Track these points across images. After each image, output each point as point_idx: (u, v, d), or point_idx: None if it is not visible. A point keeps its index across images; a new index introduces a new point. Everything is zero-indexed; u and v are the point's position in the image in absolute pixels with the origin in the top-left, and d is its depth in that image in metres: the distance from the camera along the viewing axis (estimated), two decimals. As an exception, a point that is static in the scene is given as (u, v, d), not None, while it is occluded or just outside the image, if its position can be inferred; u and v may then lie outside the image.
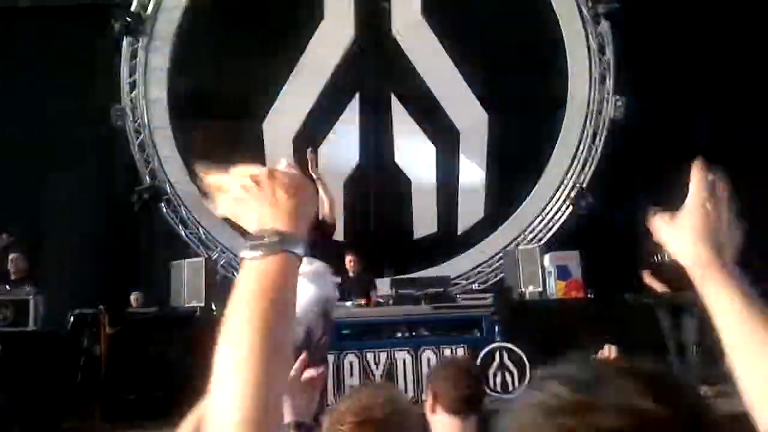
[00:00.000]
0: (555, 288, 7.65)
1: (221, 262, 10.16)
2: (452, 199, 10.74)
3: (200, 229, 10.23)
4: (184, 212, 10.21)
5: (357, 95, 10.61)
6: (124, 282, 9.48)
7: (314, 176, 5.98)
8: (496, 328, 7.16)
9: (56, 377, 6.08)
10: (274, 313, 0.93)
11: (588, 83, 10.60)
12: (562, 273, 7.66)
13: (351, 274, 8.70)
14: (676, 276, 6.37)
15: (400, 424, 1.37)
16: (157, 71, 10.18)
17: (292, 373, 1.52)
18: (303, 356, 1.56)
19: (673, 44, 10.29)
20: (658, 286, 6.56)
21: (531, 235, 10.42)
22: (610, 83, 10.45)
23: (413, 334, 7.15)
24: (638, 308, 6.40)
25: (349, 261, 8.72)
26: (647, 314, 6.45)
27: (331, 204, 5.77)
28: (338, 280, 1.54)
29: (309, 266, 1.30)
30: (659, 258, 6.64)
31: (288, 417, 1.55)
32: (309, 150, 6.16)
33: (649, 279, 6.58)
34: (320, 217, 5.79)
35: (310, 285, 1.31)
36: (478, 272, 10.42)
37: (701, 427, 0.71)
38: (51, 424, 5.46)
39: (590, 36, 10.56)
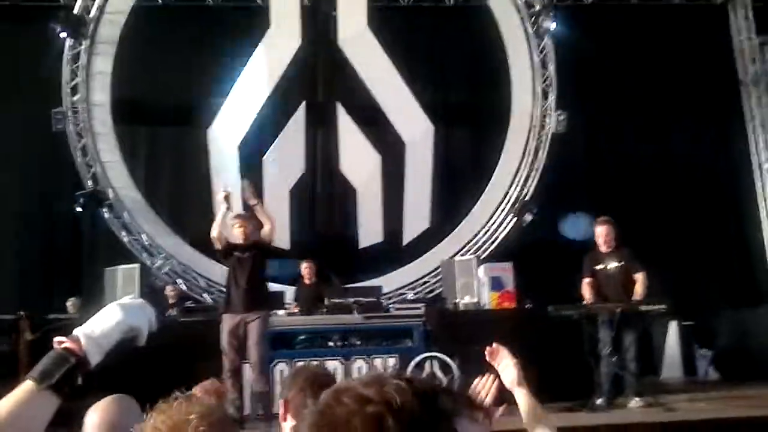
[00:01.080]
0: (488, 299, 7.73)
1: (165, 270, 10.09)
2: (398, 209, 10.78)
3: (143, 235, 10.13)
4: (126, 218, 10.10)
5: (303, 104, 10.64)
6: (64, 288, 9.37)
7: (252, 204, 6.76)
8: (427, 337, 7.22)
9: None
10: None
11: (531, 98, 10.75)
12: (496, 284, 7.74)
13: (306, 281, 8.76)
14: (612, 286, 6.56)
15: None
16: (100, 75, 10.08)
17: None
18: None
19: (610, 60, 10.55)
20: (591, 296, 6.68)
21: (475, 247, 10.53)
22: (552, 98, 10.61)
23: (345, 343, 7.18)
24: (562, 319, 6.50)
25: (305, 268, 8.78)
26: (572, 325, 6.55)
27: (271, 227, 6.65)
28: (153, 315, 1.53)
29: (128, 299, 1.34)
30: (602, 267, 6.78)
31: None
32: (245, 182, 6.94)
33: (586, 288, 6.70)
34: (257, 239, 6.62)
35: (118, 312, 1.34)
36: (423, 282, 10.48)
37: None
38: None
39: (533, 52, 10.73)
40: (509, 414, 2.42)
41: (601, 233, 6.80)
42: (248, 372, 6.54)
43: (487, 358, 2.43)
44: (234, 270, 6.54)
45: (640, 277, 6.58)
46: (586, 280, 6.73)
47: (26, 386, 1.24)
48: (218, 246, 6.67)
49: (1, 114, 9.35)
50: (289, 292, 9.06)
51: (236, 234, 6.62)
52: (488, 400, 2.35)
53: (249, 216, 6.84)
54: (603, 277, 6.73)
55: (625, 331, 6.41)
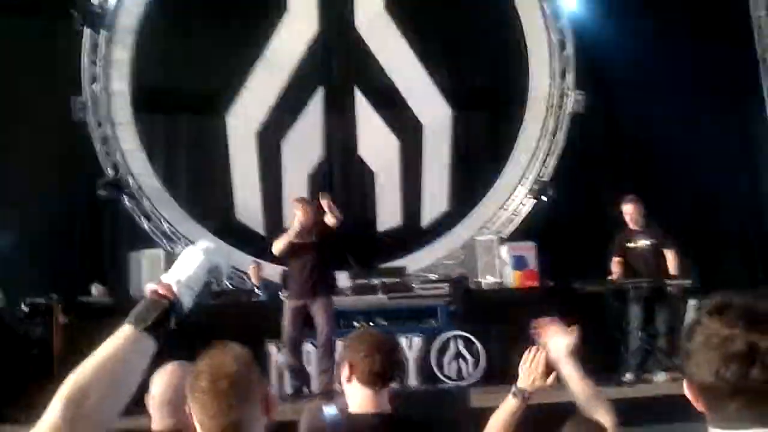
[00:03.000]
0: (511, 278, 7.76)
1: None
2: (416, 192, 10.81)
3: (163, 222, 10.21)
4: (147, 205, 10.18)
5: (321, 89, 10.65)
6: (86, 275, 9.45)
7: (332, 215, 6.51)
8: (452, 317, 7.27)
9: (7, 368, 6.08)
10: None
11: (549, 78, 10.73)
12: (519, 263, 7.78)
13: None
14: (644, 263, 6.56)
15: (248, 374, 1.63)
16: (119, 64, 10.14)
17: None
18: None
19: (630, 35, 10.48)
20: (620, 274, 6.70)
21: (494, 228, 10.54)
22: (570, 78, 10.59)
23: (370, 323, 7.23)
24: (588, 296, 6.53)
25: None
26: (598, 301, 6.58)
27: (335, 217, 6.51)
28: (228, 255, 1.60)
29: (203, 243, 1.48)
30: (633, 245, 6.80)
31: None
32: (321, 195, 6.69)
33: (615, 266, 6.71)
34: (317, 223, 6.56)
35: (200, 254, 1.44)
36: (442, 264, 10.51)
37: None
38: (3, 415, 5.44)
39: (551, 31, 10.69)
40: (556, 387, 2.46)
41: (628, 211, 6.81)
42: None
43: (535, 332, 2.46)
44: (295, 255, 6.56)
45: (671, 254, 6.59)
46: (616, 259, 6.73)
47: (123, 331, 1.29)
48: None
49: (22, 103, 9.38)
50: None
51: (297, 216, 6.55)
52: (539, 372, 2.39)
53: (309, 200, 6.83)
54: (633, 255, 6.74)
55: (655, 307, 6.43)
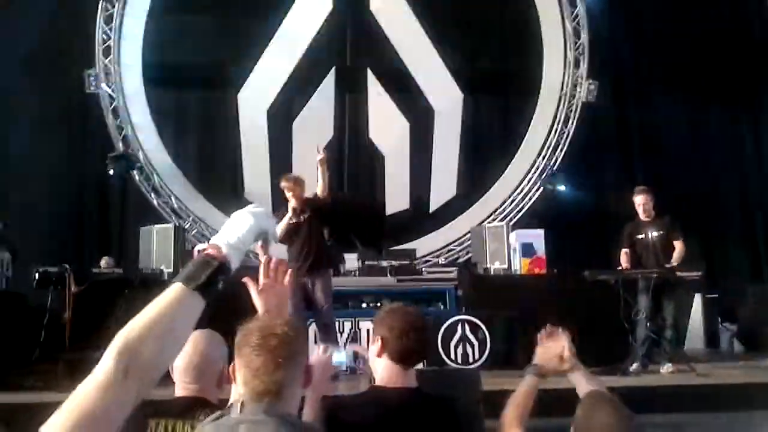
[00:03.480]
0: (519, 265, 7.78)
1: (193, 232, 10.18)
2: (425, 176, 10.81)
3: (172, 198, 10.22)
4: (156, 180, 10.19)
5: (333, 69, 10.63)
6: (96, 248, 9.49)
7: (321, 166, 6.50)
8: (459, 301, 7.30)
9: (21, 335, 6.12)
10: None
11: (562, 66, 10.71)
12: (527, 250, 7.79)
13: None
14: (653, 255, 6.57)
15: (296, 338, 1.67)
16: (132, 38, 10.11)
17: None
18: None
19: (644, 26, 10.46)
20: (629, 263, 6.71)
21: (502, 215, 10.55)
22: (584, 67, 10.56)
23: (379, 304, 7.25)
24: (597, 285, 6.55)
25: None
26: (607, 291, 6.60)
27: (323, 185, 6.50)
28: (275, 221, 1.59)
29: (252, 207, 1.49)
30: (642, 236, 6.81)
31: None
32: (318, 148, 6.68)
33: (624, 256, 6.73)
34: (312, 195, 6.52)
35: (250, 217, 1.46)
36: (449, 250, 10.54)
37: None
38: (14, 382, 5.48)
39: (566, 19, 10.65)
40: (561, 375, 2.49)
41: (640, 202, 6.81)
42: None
43: (542, 340, 2.45)
44: (291, 237, 6.47)
45: (678, 245, 6.61)
46: (625, 249, 6.75)
47: (174, 289, 1.29)
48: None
49: (35, 75, 9.36)
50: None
51: (288, 198, 6.49)
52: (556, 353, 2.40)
53: (295, 178, 6.68)
54: (643, 245, 6.75)
55: (662, 297, 6.45)
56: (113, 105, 10.04)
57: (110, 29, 10.04)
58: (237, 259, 1.41)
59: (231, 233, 1.45)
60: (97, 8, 9.96)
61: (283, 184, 6.55)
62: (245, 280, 1.97)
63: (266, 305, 2.00)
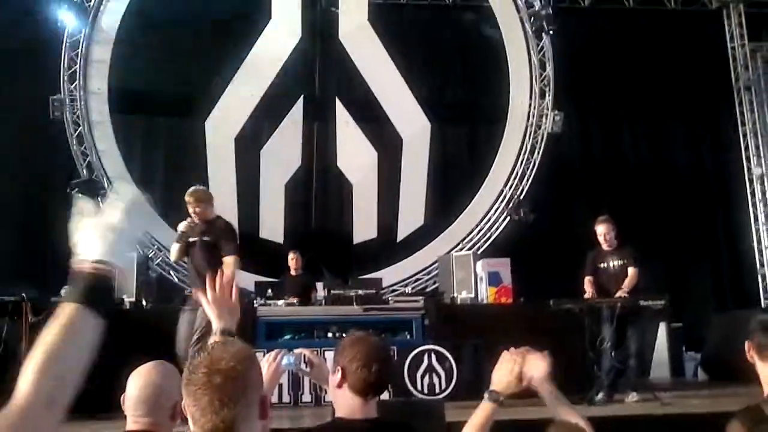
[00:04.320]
0: (486, 294, 7.78)
1: (157, 261, 10.03)
2: (393, 205, 10.82)
3: (137, 225, 10.06)
4: (120, 208, 10.03)
5: (301, 98, 10.64)
6: (59, 275, 9.26)
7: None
8: (426, 331, 7.26)
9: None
10: None
11: (528, 97, 10.85)
12: (494, 279, 7.80)
13: (293, 272, 8.72)
14: (615, 284, 6.61)
15: (244, 372, 1.57)
16: (98, 63, 10.03)
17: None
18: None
19: (607, 61, 10.67)
20: (593, 293, 6.73)
21: (469, 244, 10.58)
22: (549, 98, 10.71)
23: (344, 334, 7.16)
24: (562, 314, 6.56)
25: (291, 259, 8.73)
26: (572, 320, 6.61)
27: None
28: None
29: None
30: (604, 266, 6.85)
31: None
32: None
33: (588, 284, 6.75)
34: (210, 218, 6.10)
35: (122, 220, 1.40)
36: (416, 279, 10.52)
37: None
38: None
39: (532, 51, 10.82)
40: (536, 404, 2.46)
41: (602, 231, 6.87)
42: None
43: (508, 357, 2.39)
44: (187, 257, 6.12)
45: (631, 272, 6.67)
46: (588, 278, 6.78)
47: (69, 312, 1.26)
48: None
49: (1, 100, 9.24)
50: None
51: (190, 213, 6.03)
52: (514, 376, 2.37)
53: (198, 192, 6.19)
54: (605, 275, 6.79)
55: (627, 326, 6.48)
56: (78, 131, 9.91)
57: (76, 55, 9.94)
58: (120, 260, 1.36)
59: (108, 243, 1.38)
60: (64, 34, 9.86)
61: (186, 198, 6.11)
62: (195, 294, 2.00)
63: (219, 313, 2.19)
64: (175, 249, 6.19)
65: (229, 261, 5.88)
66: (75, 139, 9.90)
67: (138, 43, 10.11)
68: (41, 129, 9.78)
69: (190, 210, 6.03)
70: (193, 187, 6.26)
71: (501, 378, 2.30)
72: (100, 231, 1.39)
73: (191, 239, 6.06)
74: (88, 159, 9.94)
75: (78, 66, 9.95)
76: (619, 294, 6.55)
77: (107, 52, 10.07)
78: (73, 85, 9.94)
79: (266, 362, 2.37)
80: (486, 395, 2.28)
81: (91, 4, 9.95)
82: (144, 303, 7.81)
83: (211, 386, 1.53)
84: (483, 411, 2.27)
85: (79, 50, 9.97)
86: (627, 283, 6.62)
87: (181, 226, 6.14)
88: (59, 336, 1.23)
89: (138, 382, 2.29)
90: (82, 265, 1.34)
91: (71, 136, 9.87)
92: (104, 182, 9.95)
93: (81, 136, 9.94)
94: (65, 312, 1.26)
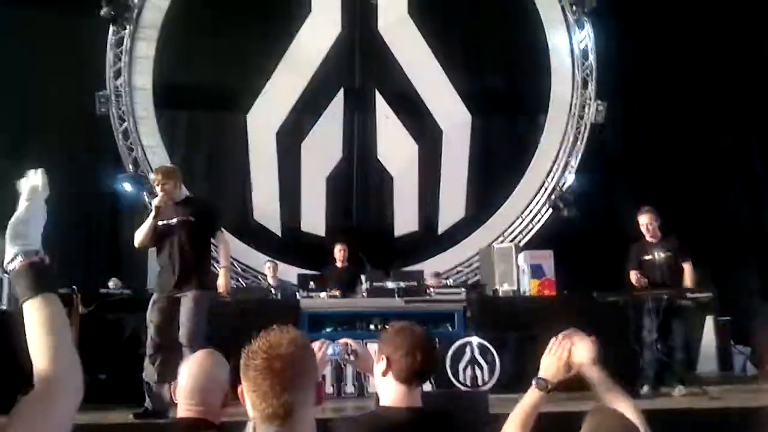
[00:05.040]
0: (528, 286, 7.72)
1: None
2: (434, 197, 10.81)
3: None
4: (165, 201, 10.20)
5: (342, 90, 10.68)
6: (105, 269, 9.49)
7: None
8: (468, 323, 7.24)
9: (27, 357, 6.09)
10: None
11: (570, 87, 10.72)
12: (536, 271, 7.73)
13: (338, 264, 8.76)
14: (660, 275, 6.51)
15: (303, 357, 1.62)
16: (142, 60, 10.20)
17: None
18: None
19: (652, 48, 10.44)
20: (641, 284, 6.65)
21: (510, 236, 10.52)
22: (592, 87, 10.56)
23: (386, 326, 7.18)
24: (606, 306, 6.49)
25: (339, 251, 8.77)
26: (616, 312, 6.54)
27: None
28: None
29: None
30: (649, 257, 6.75)
31: None
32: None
33: (635, 277, 6.66)
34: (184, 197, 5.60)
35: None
36: (457, 271, 10.50)
37: None
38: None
39: (574, 40, 10.68)
40: (579, 399, 2.44)
41: (645, 222, 6.76)
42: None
43: (558, 341, 2.38)
44: (157, 241, 5.45)
45: (687, 267, 6.54)
46: (633, 271, 6.68)
47: (37, 305, 1.36)
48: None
49: (47, 96, 9.44)
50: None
51: (158, 193, 5.45)
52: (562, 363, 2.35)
53: (167, 168, 5.75)
54: (650, 267, 6.69)
55: (672, 319, 6.38)
56: (123, 126, 10.10)
57: (120, 52, 10.12)
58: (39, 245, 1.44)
59: (23, 233, 1.45)
60: (108, 31, 10.04)
61: (152, 176, 5.74)
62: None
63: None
64: (144, 231, 5.43)
65: (224, 239, 5.63)
66: (121, 135, 10.08)
67: (181, 39, 10.24)
68: (88, 124, 9.98)
69: (158, 188, 5.43)
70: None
71: (550, 364, 2.29)
72: (13, 229, 1.47)
73: (164, 222, 5.40)
74: (133, 154, 10.12)
75: (123, 62, 10.12)
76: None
77: (151, 48, 10.23)
78: (119, 81, 10.12)
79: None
80: (534, 382, 2.28)
81: (135, 1, 10.10)
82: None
83: (272, 371, 1.57)
84: (531, 399, 2.27)
85: (124, 47, 10.13)
86: (688, 279, 6.52)
87: (157, 201, 5.45)
88: (48, 325, 1.34)
89: (191, 371, 2.34)
90: (15, 265, 1.42)
91: (117, 132, 10.05)
92: (149, 177, 10.11)
93: (127, 132, 10.12)
94: (35, 307, 1.36)
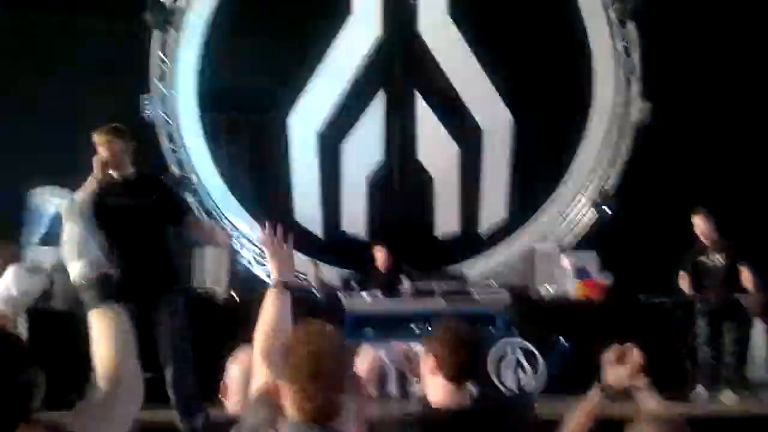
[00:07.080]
0: (572, 288, 7.65)
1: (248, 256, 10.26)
2: (475, 198, 10.76)
3: (225, 221, 10.37)
4: (209, 203, 10.36)
5: (382, 92, 10.68)
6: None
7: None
8: (511, 325, 7.20)
9: (76, 355, 6.22)
10: None
11: (613, 86, 10.58)
12: (580, 273, 7.66)
13: (380, 265, 8.80)
14: (715, 279, 6.40)
15: (342, 353, 1.68)
16: (186, 63, 10.34)
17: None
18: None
19: (699, 47, 10.22)
20: (690, 288, 6.55)
21: (552, 237, 10.40)
22: (635, 87, 10.40)
23: (428, 327, 7.18)
24: (653, 309, 6.39)
25: (379, 252, 8.81)
26: (663, 315, 6.44)
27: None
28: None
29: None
30: (704, 260, 6.65)
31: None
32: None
33: (683, 281, 6.57)
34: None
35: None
36: (498, 272, 10.41)
37: None
38: (69, 401, 5.56)
39: (616, 39, 10.54)
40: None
41: (698, 225, 6.66)
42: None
43: (611, 356, 2.38)
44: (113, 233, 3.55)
45: (745, 270, 6.42)
46: (682, 273, 6.58)
47: (103, 314, 1.52)
48: None
49: (92, 99, 9.61)
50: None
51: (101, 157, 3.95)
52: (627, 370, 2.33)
53: (116, 128, 4.49)
54: (705, 270, 6.59)
55: (723, 322, 6.26)
56: (168, 129, 10.26)
57: (165, 56, 10.28)
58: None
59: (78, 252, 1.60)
60: (151, 36, 10.21)
61: (96, 137, 4.25)
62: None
63: (278, 267, 2.49)
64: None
65: (196, 221, 4.83)
66: (165, 137, 10.24)
67: (223, 43, 10.35)
68: (133, 127, 10.11)
69: (103, 153, 4.15)
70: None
71: (616, 373, 2.30)
72: (72, 246, 1.64)
73: (108, 203, 4.08)
74: (177, 156, 10.28)
75: (167, 66, 10.28)
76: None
77: (194, 52, 10.37)
78: (162, 83, 10.28)
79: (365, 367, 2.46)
80: (599, 388, 2.28)
81: (179, 5, 10.26)
82: (234, 294, 8.03)
83: (317, 370, 1.59)
84: (591, 401, 2.27)
85: (168, 51, 10.29)
86: (750, 284, 6.42)
87: (84, 192, 4.20)
88: (114, 334, 1.47)
89: (240, 366, 2.37)
90: (84, 277, 1.59)
91: (161, 134, 10.21)
92: (193, 178, 10.26)
93: (171, 134, 10.28)
94: (102, 316, 1.50)
